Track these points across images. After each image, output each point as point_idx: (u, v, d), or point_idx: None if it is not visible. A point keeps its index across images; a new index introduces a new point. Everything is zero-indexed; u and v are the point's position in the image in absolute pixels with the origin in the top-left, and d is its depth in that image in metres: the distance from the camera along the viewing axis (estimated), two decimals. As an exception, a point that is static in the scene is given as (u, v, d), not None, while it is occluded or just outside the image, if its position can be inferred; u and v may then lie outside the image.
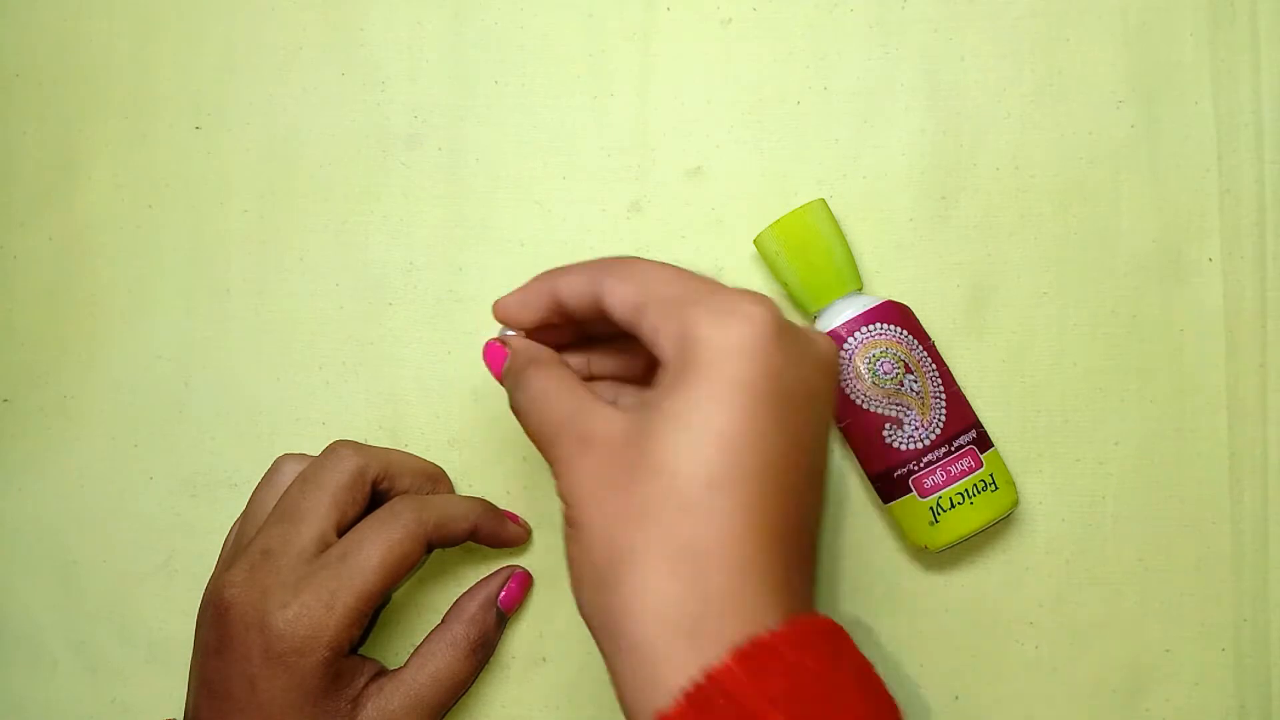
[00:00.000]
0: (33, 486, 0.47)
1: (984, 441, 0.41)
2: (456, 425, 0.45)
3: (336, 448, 0.41)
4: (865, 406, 0.40)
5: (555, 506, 0.44)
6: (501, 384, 0.37)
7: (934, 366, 0.40)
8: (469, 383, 0.45)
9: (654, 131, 0.45)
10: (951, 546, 0.41)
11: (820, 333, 0.36)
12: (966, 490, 0.40)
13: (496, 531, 0.43)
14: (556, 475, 0.33)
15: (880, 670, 0.30)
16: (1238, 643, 0.41)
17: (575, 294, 0.35)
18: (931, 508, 0.40)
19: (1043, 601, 0.42)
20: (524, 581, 0.44)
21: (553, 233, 0.45)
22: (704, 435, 0.29)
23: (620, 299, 0.33)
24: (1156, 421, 0.42)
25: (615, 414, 0.32)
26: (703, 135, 0.45)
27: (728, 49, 0.45)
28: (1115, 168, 0.43)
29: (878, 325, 0.40)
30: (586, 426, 0.32)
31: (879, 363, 0.40)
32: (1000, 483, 0.40)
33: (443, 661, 0.41)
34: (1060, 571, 0.42)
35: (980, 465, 0.40)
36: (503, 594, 0.43)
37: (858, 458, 0.41)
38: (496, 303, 0.37)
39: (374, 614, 0.40)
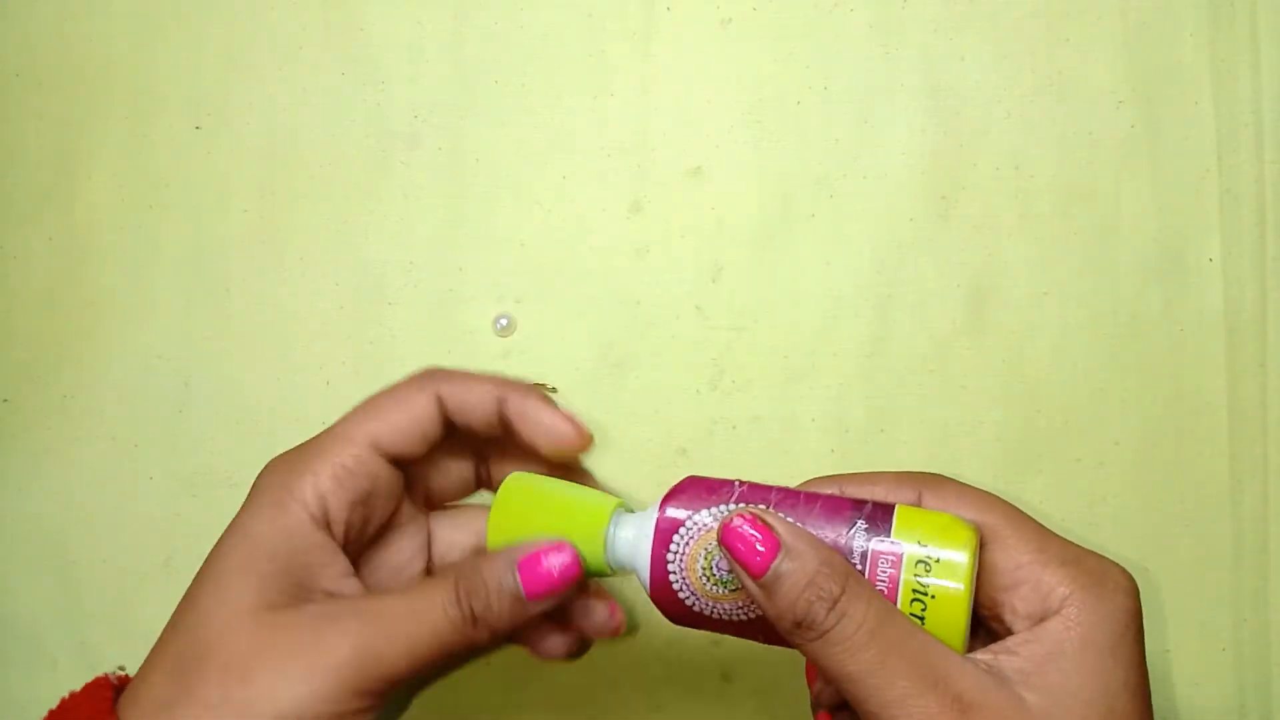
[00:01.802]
0: (33, 486, 0.47)
1: (880, 518, 0.32)
2: (456, 425, 0.45)
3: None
4: (746, 616, 0.33)
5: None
6: (756, 580, 0.30)
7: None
8: (469, 383, 0.45)
9: (654, 131, 0.45)
10: (970, 630, 0.32)
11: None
12: (917, 590, 0.31)
13: (533, 410, 0.35)
14: None
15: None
16: (1238, 643, 0.41)
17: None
18: None
19: (1043, 601, 0.42)
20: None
21: (553, 233, 0.45)
22: None
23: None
24: (1156, 421, 0.42)
25: (987, 678, 0.29)
26: (703, 135, 0.45)
27: (728, 49, 0.45)
28: (1115, 168, 0.43)
29: (688, 519, 0.33)
30: (957, 685, 0.29)
31: (715, 562, 0.32)
32: (939, 542, 0.31)
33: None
34: (1060, 571, 0.42)
35: (899, 553, 0.31)
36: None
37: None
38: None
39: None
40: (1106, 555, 0.32)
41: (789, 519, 0.32)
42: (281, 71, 0.47)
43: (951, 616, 0.30)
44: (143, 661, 0.33)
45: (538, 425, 0.34)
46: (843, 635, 0.29)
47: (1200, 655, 0.42)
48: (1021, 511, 0.33)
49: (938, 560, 0.31)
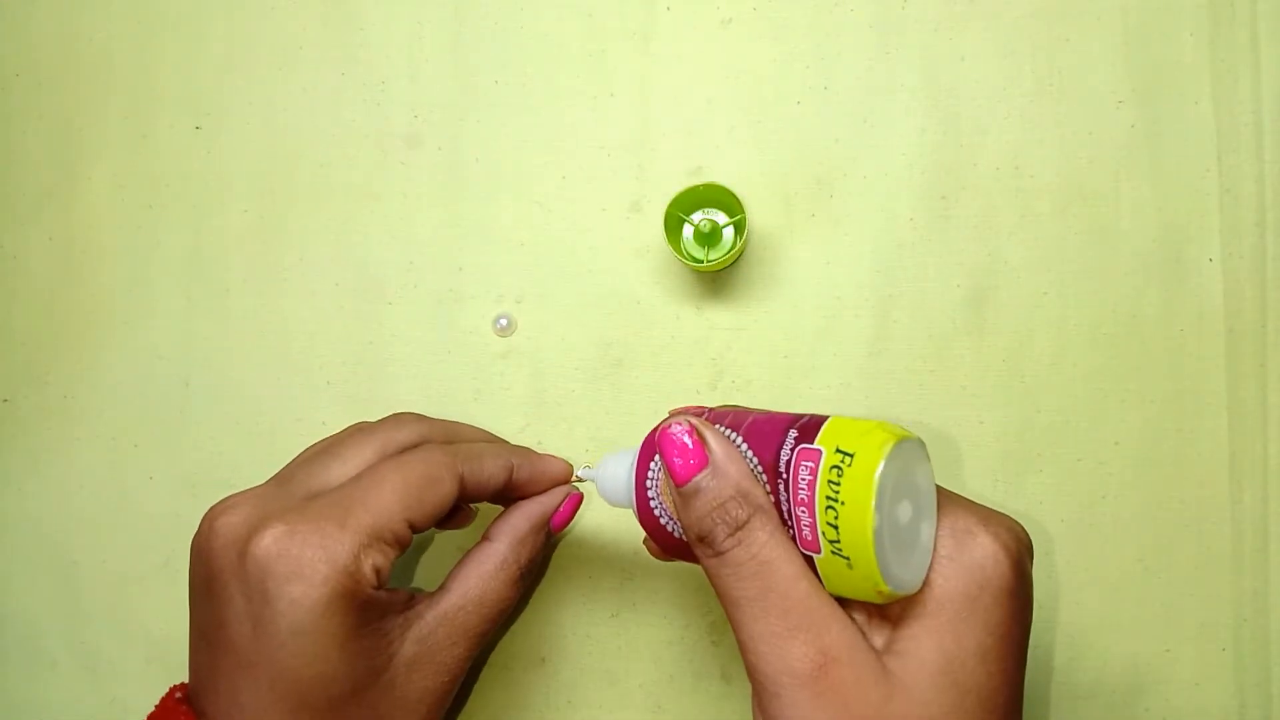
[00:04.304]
0: (33, 486, 0.47)
1: (812, 426, 0.31)
2: (456, 425, 0.45)
3: (400, 414, 0.39)
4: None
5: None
6: (680, 486, 0.31)
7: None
8: (470, 383, 0.45)
9: (654, 131, 0.45)
10: (884, 566, 0.29)
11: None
12: (829, 496, 0.29)
13: (537, 467, 0.39)
14: (771, 691, 0.29)
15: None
16: (1238, 643, 0.41)
17: None
18: (833, 552, 0.29)
19: (1042, 601, 0.42)
20: (577, 503, 0.40)
21: (553, 233, 0.45)
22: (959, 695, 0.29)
23: None
24: (1156, 421, 0.42)
25: (858, 637, 0.29)
26: (703, 135, 0.45)
27: (728, 49, 0.45)
28: (1115, 168, 0.43)
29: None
30: (825, 637, 0.29)
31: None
32: (854, 446, 0.29)
33: (490, 587, 0.36)
34: (1060, 571, 0.42)
35: (817, 458, 0.30)
36: (555, 516, 0.39)
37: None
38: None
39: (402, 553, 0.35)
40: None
41: (735, 435, 0.32)
42: (281, 71, 0.47)
43: (857, 522, 0.28)
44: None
45: (544, 481, 0.40)
46: (735, 560, 0.30)
47: (1200, 655, 0.42)
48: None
49: (850, 464, 0.29)
